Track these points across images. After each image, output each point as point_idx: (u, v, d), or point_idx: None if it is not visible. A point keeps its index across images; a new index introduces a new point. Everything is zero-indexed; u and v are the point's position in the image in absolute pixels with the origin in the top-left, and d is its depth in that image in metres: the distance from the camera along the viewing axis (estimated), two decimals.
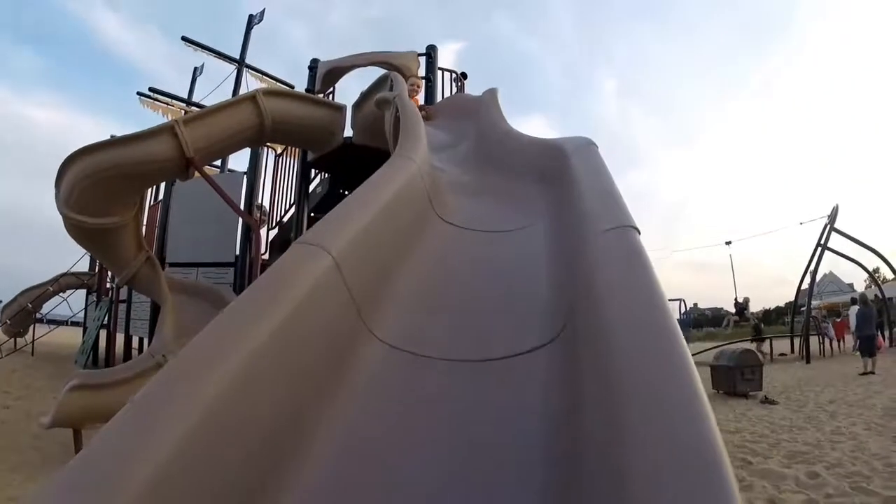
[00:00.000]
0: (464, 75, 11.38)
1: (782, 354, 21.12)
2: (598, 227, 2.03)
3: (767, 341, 22.57)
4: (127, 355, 13.36)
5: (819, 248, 21.68)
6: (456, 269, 2.92)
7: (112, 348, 13.59)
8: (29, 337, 18.56)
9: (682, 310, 37.55)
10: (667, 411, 1.10)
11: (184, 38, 17.74)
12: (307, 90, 10.82)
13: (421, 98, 8.98)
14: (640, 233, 1.97)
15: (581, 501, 1.27)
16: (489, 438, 1.64)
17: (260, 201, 12.00)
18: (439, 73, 10.66)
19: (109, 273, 14.77)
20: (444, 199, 3.62)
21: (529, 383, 1.86)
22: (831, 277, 42.05)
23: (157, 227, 13.26)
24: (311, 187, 11.15)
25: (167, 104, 18.34)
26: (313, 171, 11.06)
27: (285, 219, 11.99)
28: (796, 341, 21.56)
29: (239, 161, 16.72)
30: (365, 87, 8.94)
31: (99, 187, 7.04)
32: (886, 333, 21.27)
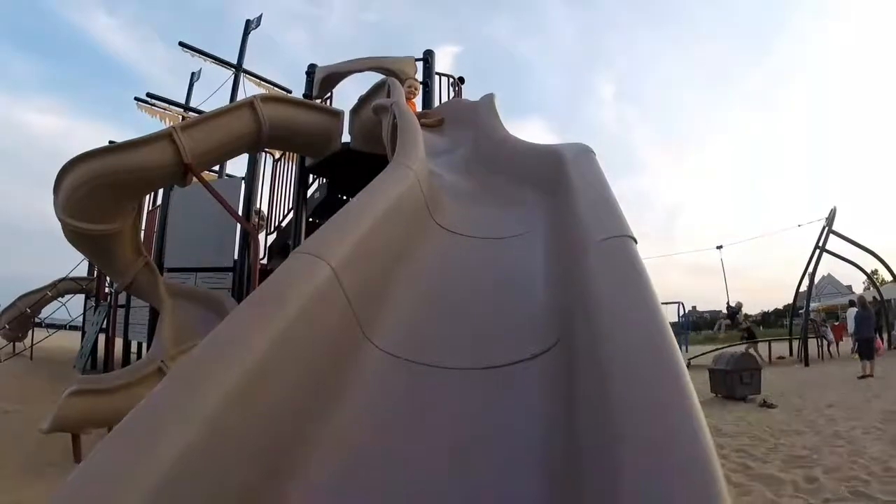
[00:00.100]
0: (461, 80, 11.40)
1: (781, 358, 21.06)
2: (595, 237, 2.03)
3: (760, 345, 22.53)
4: (125, 360, 13.39)
5: (817, 251, 21.68)
6: (454, 276, 2.92)
7: (111, 353, 13.59)
8: (28, 341, 18.55)
9: (681, 313, 37.53)
10: (661, 421, 1.12)
11: (181, 44, 17.71)
12: (305, 96, 10.86)
13: (418, 101, 8.97)
14: (636, 242, 1.98)
15: None
16: (486, 445, 1.65)
17: (258, 206, 12.01)
18: (437, 77, 10.68)
19: (108, 278, 14.77)
20: (441, 206, 3.63)
21: (527, 391, 1.87)
22: (829, 280, 42.00)
23: (156, 233, 13.26)
24: (310, 192, 11.19)
25: (165, 109, 18.35)
26: (311, 176, 11.09)
27: (284, 224, 12.01)
28: (795, 344, 21.54)
29: (237, 166, 16.77)
30: (362, 92, 8.99)
31: (97, 193, 7.05)
32: (885, 336, 21.25)
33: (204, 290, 10.48)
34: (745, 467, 5.64)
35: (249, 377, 1.40)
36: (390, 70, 9.61)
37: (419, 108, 8.79)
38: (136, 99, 18.32)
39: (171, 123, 16.47)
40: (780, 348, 22.37)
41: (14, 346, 18.04)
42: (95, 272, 18.07)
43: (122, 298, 13.52)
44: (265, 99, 8.61)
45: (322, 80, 10.80)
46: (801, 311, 22.89)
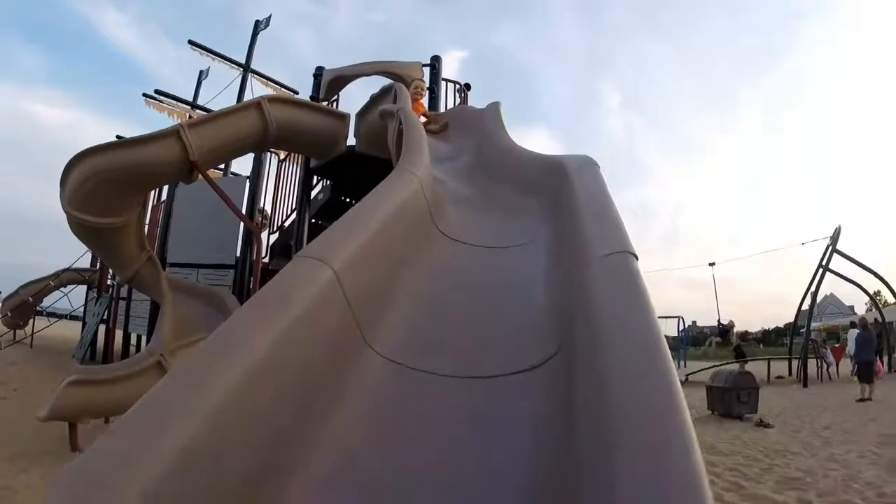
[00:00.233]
0: (467, 86, 11.42)
1: (780, 377, 20.99)
2: (597, 252, 2.05)
3: (759, 363, 22.43)
4: (125, 352, 13.39)
5: (820, 269, 21.64)
6: (455, 284, 2.93)
7: (111, 344, 13.61)
8: (29, 329, 18.60)
9: (681, 327, 37.44)
10: (657, 430, 1.14)
11: (190, 42, 17.77)
12: (312, 98, 10.87)
13: (425, 102, 8.97)
14: (637, 259, 1.99)
15: None
16: (481, 455, 1.66)
17: (262, 205, 12.02)
18: (443, 83, 10.71)
19: (110, 270, 14.80)
20: (444, 214, 3.65)
21: (525, 402, 1.88)
22: (832, 299, 41.98)
23: (160, 228, 13.28)
24: (313, 193, 11.19)
25: (172, 106, 18.40)
26: (315, 177, 11.10)
27: (286, 224, 12.03)
28: (794, 364, 21.48)
29: (242, 165, 16.77)
30: (369, 95, 9.02)
31: (103, 187, 7.07)
32: (885, 359, 21.18)
33: (205, 287, 10.49)
34: (738, 487, 5.63)
35: (251, 375, 1.43)
36: (397, 74, 9.62)
37: (426, 108, 8.79)
38: (145, 95, 18.40)
39: (179, 119, 16.60)
40: (780, 367, 22.29)
41: (15, 333, 18.07)
42: (98, 264, 18.13)
43: (123, 291, 13.53)
44: (272, 100, 8.63)
45: (329, 83, 10.81)
46: (802, 331, 22.82)
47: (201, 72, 20.31)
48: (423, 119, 7.78)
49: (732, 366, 17.19)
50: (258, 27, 17.53)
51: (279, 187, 12.35)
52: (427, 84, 9.94)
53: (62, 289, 20.25)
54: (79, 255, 17.22)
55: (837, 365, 22.46)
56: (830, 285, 36.03)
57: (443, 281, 2.91)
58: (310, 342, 1.76)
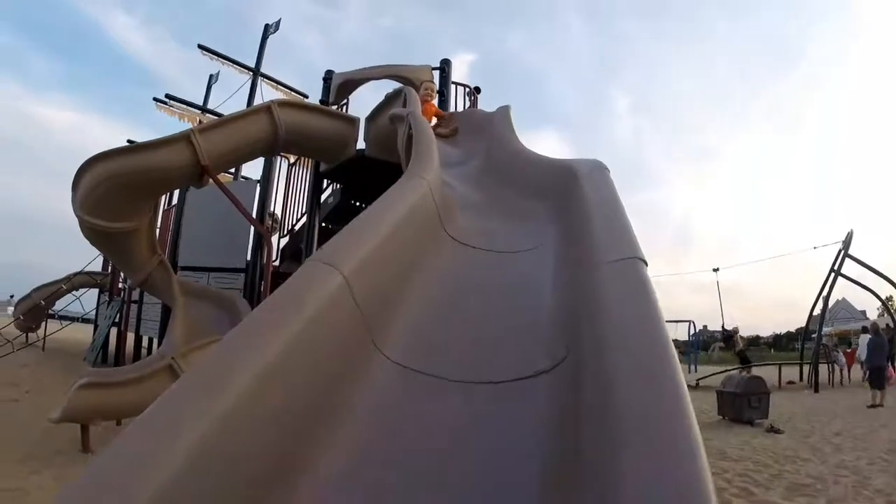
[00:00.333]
0: (477, 90, 11.38)
1: (791, 382, 20.85)
2: (606, 257, 2.05)
3: (770, 368, 22.26)
4: (136, 354, 13.45)
5: (832, 274, 21.53)
6: (464, 288, 2.94)
7: (122, 347, 13.67)
8: (41, 332, 18.67)
9: (691, 332, 37.34)
10: (661, 446, 1.14)
11: (200, 47, 17.84)
12: (321, 101, 10.89)
13: (435, 104, 8.96)
14: (647, 265, 1.99)
15: None
16: (488, 460, 1.66)
17: (272, 209, 12.06)
18: (452, 87, 10.70)
19: (122, 274, 14.86)
20: (454, 218, 3.65)
21: (531, 407, 1.88)
22: (844, 304, 41.69)
23: (171, 232, 13.34)
24: (323, 197, 11.21)
25: (182, 111, 18.49)
26: (325, 181, 11.12)
27: (297, 227, 12.06)
28: (805, 369, 21.34)
29: (252, 169, 16.84)
30: (378, 99, 9.04)
31: (115, 192, 7.12)
32: None
33: (216, 290, 10.53)
34: (747, 493, 5.61)
35: (262, 379, 1.44)
36: (407, 78, 9.62)
37: (437, 109, 8.78)
38: (156, 99, 18.53)
39: (190, 123, 16.67)
40: (791, 373, 22.16)
41: (27, 336, 18.14)
42: (110, 267, 18.20)
43: (135, 294, 13.59)
44: (282, 104, 8.66)
45: (339, 87, 10.83)
46: (813, 335, 22.69)
47: (211, 76, 20.40)
48: (434, 121, 7.79)
49: (744, 371, 17.13)
50: (268, 31, 17.61)
51: (289, 191, 12.39)
52: (437, 87, 9.94)
53: (74, 292, 20.32)
54: (84, 257, 17.30)
55: (849, 370, 22.33)
56: (842, 290, 35.87)
57: (452, 285, 2.91)
58: (320, 346, 1.77)
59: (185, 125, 17.60)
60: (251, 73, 17.46)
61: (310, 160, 11.17)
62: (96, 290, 20.47)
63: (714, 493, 1.02)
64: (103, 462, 1.15)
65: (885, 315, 26.20)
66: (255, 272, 11.02)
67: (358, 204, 11.03)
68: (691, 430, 1.15)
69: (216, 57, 17.91)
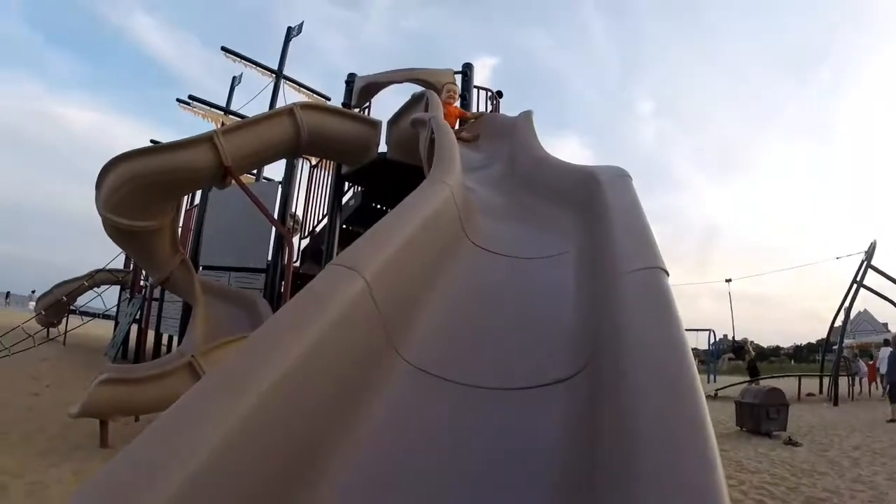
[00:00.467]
0: (499, 94, 11.38)
1: (810, 394, 20.68)
2: (627, 267, 2.04)
3: (790, 380, 22.03)
4: (156, 352, 13.53)
5: (854, 285, 21.31)
6: (484, 294, 2.94)
7: (142, 344, 13.75)
8: (62, 327, 18.80)
9: (712, 340, 37.06)
10: (678, 456, 1.14)
11: (224, 49, 17.96)
12: (343, 104, 10.96)
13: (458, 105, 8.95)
14: (668, 274, 1.99)
15: None
16: (503, 466, 1.67)
17: (294, 210, 12.11)
18: (474, 91, 10.70)
19: (143, 271, 14.96)
20: (475, 223, 3.65)
21: (548, 415, 1.88)
22: (866, 316, 41.22)
23: (193, 231, 13.42)
24: (345, 200, 11.24)
25: (206, 111, 18.61)
26: (347, 183, 11.16)
27: (318, 229, 12.09)
28: (825, 381, 21.12)
29: (275, 171, 16.93)
30: (401, 102, 9.06)
31: (138, 191, 7.19)
32: None
33: (237, 290, 10.62)
34: None
35: (284, 381, 1.45)
36: (428, 82, 9.64)
37: (461, 110, 8.79)
38: (179, 100, 18.68)
39: (213, 122, 16.77)
40: (811, 385, 21.95)
41: (48, 331, 18.27)
42: (132, 265, 18.32)
43: (156, 292, 13.67)
44: (305, 106, 8.71)
45: (361, 90, 10.87)
46: (834, 347, 22.45)
47: (234, 77, 20.51)
48: (456, 125, 7.80)
49: (764, 382, 17.00)
50: (290, 34, 17.67)
51: (311, 193, 12.43)
52: (459, 90, 9.93)
53: (96, 289, 20.46)
54: (112, 255, 17.45)
55: (870, 385, 22.08)
56: (864, 301, 35.52)
57: (472, 291, 2.92)
58: (341, 350, 1.78)
59: (208, 125, 17.75)
60: (274, 76, 17.54)
61: (331, 162, 11.21)
62: (118, 287, 20.60)
63: (727, 497, 1.02)
64: (124, 460, 1.16)
65: None
66: (275, 272, 11.09)
67: (379, 206, 11.08)
68: (708, 441, 1.15)
69: (239, 59, 18.04)
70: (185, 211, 13.60)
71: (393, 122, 9.20)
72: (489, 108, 11.04)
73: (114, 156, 7.18)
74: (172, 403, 1.33)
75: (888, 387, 15.60)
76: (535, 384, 2.05)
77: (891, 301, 22.14)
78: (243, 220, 11.22)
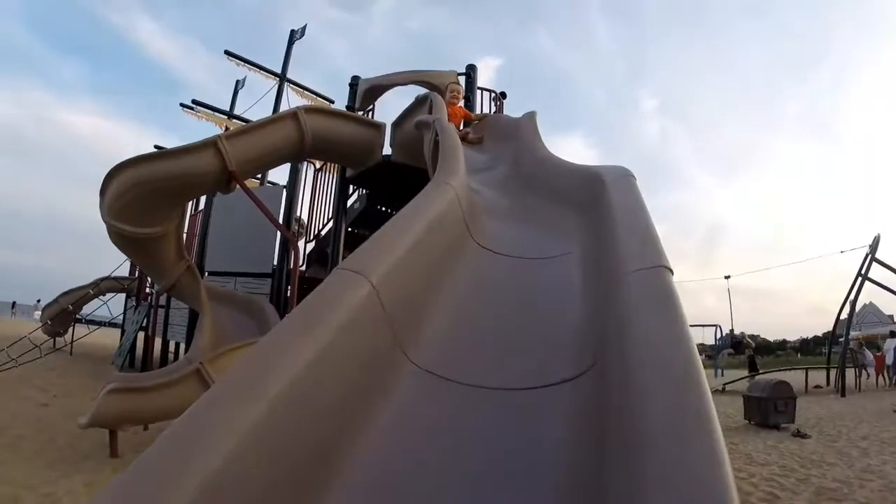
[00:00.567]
0: (503, 95, 11.40)
1: (818, 387, 20.63)
2: (632, 266, 2.06)
3: (797, 373, 21.98)
4: (164, 359, 13.55)
5: (859, 278, 21.30)
6: (490, 295, 2.95)
7: (150, 352, 13.77)
8: (68, 337, 18.80)
9: (718, 335, 37.10)
10: (685, 451, 1.15)
11: (227, 52, 17.95)
12: (347, 107, 10.96)
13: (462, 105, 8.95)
14: (672, 273, 2.00)
15: None
16: (511, 466, 1.69)
17: (298, 214, 12.12)
18: (479, 92, 10.72)
19: (149, 278, 14.96)
20: (480, 224, 3.67)
21: (555, 415, 1.90)
22: (871, 308, 41.27)
23: (198, 237, 13.44)
24: (349, 202, 11.27)
25: (209, 115, 18.62)
26: (351, 186, 11.17)
27: (323, 232, 12.11)
28: (832, 374, 21.10)
29: (279, 174, 16.92)
30: (404, 105, 9.06)
31: (142, 198, 7.20)
32: None
33: (244, 295, 10.61)
34: (773, 497, 5.58)
35: (292, 388, 1.46)
36: (432, 84, 9.67)
37: (465, 111, 8.80)
38: (182, 105, 18.67)
39: (217, 125, 16.78)
40: (818, 377, 21.92)
41: (55, 341, 18.27)
42: (137, 272, 18.32)
43: (162, 299, 13.67)
44: (309, 110, 8.71)
45: (365, 92, 10.88)
46: (840, 340, 22.43)
47: (238, 81, 20.49)
48: (461, 125, 7.81)
49: (771, 375, 17.00)
50: (293, 37, 17.66)
51: (315, 196, 12.45)
52: (463, 90, 9.94)
53: (101, 297, 20.45)
54: (117, 263, 17.46)
55: (878, 375, 22.05)
56: (870, 294, 35.47)
57: (478, 292, 2.93)
58: (349, 354, 1.79)
59: (212, 130, 17.78)
60: (277, 79, 17.54)
61: (336, 166, 11.23)
62: (123, 295, 20.59)
63: (737, 495, 1.04)
64: (136, 471, 1.17)
65: None
66: (281, 277, 11.09)
67: (384, 209, 11.08)
68: (715, 436, 1.17)
69: (242, 63, 18.02)
70: (190, 216, 13.62)
71: (397, 124, 9.21)
72: (493, 109, 11.05)
73: (117, 162, 7.19)
74: (182, 411, 1.34)
75: (895, 377, 15.61)
76: (541, 384, 2.06)
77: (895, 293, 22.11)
78: (248, 224, 11.21)
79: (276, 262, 11.52)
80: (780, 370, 23.25)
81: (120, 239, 7.75)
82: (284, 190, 11.94)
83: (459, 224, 3.33)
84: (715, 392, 18.14)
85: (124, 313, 19.28)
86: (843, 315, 22.92)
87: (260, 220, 9.81)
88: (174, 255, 8.84)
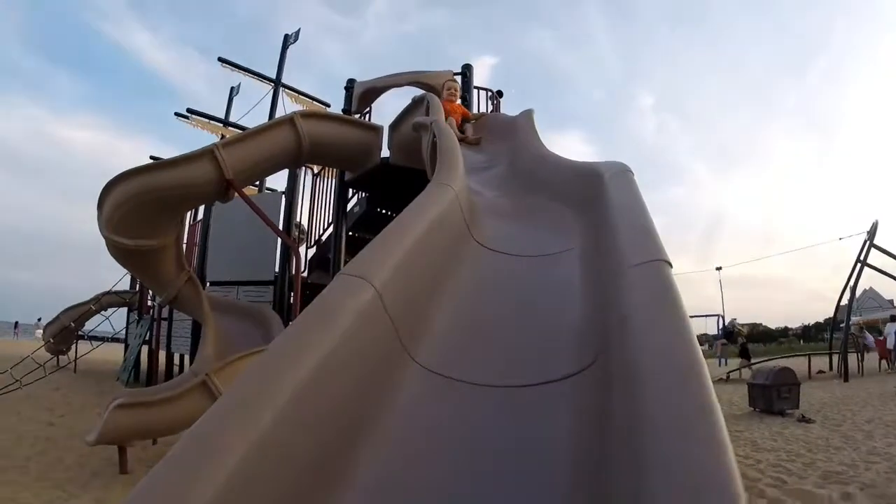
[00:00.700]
0: (499, 93, 11.40)
1: (820, 372, 20.60)
2: (631, 260, 2.08)
3: (800, 359, 21.96)
4: (168, 372, 13.54)
5: (858, 265, 21.32)
6: (492, 293, 2.97)
7: (154, 365, 13.74)
8: (72, 354, 18.72)
9: (720, 326, 37.14)
10: (688, 441, 1.17)
11: (220, 59, 17.96)
12: (344, 110, 10.97)
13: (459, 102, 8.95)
14: (671, 266, 2.03)
15: None
16: (516, 462, 1.71)
17: (298, 220, 12.12)
18: (475, 91, 10.72)
19: (150, 291, 14.93)
20: (480, 224, 3.69)
21: (560, 411, 1.93)
22: (871, 293, 41.16)
23: (198, 247, 13.44)
24: (349, 206, 11.26)
25: (204, 124, 18.60)
26: (351, 190, 11.18)
27: (323, 237, 12.10)
28: (835, 359, 21.10)
29: (277, 181, 16.93)
30: (401, 107, 9.06)
31: (140, 210, 7.21)
32: None
33: (246, 304, 10.61)
34: (780, 482, 5.58)
35: (299, 396, 1.47)
36: (429, 84, 9.67)
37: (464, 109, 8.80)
38: (177, 114, 18.64)
39: (213, 133, 16.76)
40: (821, 363, 21.93)
41: (58, 359, 18.20)
42: (138, 286, 18.28)
43: (164, 311, 13.64)
44: (305, 115, 8.73)
45: (361, 95, 10.88)
46: (841, 325, 22.44)
47: (232, 88, 20.48)
48: (459, 122, 7.81)
49: (774, 362, 17.00)
50: (287, 41, 17.65)
51: (315, 201, 12.45)
52: (460, 90, 9.94)
53: (103, 312, 20.36)
54: (117, 276, 17.44)
55: (881, 360, 22.03)
56: (870, 280, 35.47)
57: (480, 290, 2.95)
58: (355, 359, 1.81)
59: (208, 138, 17.77)
60: (272, 84, 17.53)
61: (334, 170, 11.23)
62: (125, 310, 20.50)
63: (740, 483, 1.07)
64: (145, 489, 1.17)
65: None
66: (283, 284, 11.11)
67: (384, 212, 11.08)
68: (717, 426, 1.18)
69: (237, 69, 18.03)
70: (189, 227, 13.61)
71: (394, 126, 9.21)
72: (490, 108, 11.06)
73: (114, 175, 7.19)
74: (190, 424, 1.35)
75: None
76: (544, 380, 2.09)
77: (894, 278, 22.11)
78: (248, 232, 11.20)
79: (277, 270, 11.54)
80: (783, 357, 23.24)
81: (119, 252, 7.76)
82: (283, 196, 11.95)
83: (460, 224, 3.35)
84: (718, 381, 18.17)
85: (127, 328, 19.22)
86: (844, 301, 22.94)
87: (260, 228, 9.84)
88: (174, 266, 8.85)
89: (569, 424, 1.85)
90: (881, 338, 23.34)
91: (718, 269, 44.22)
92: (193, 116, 18.49)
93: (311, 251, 12.71)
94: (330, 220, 11.49)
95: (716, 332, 37.34)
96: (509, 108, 10.81)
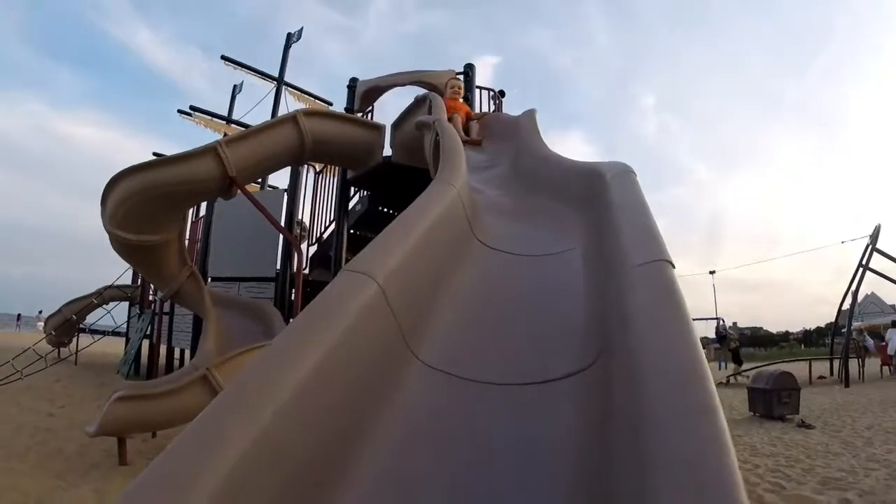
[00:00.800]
0: (501, 93, 11.40)
1: (821, 377, 20.60)
2: (634, 260, 2.09)
3: (800, 364, 21.91)
4: (169, 366, 13.54)
5: (860, 269, 21.28)
6: (494, 292, 2.97)
7: (155, 359, 13.74)
8: (73, 347, 18.74)
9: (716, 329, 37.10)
10: (690, 441, 1.18)
11: (223, 58, 17.93)
12: (346, 109, 10.97)
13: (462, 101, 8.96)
14: (674, 266, 2.03)
15: None
16: (518, 460, 1.71)
17: (300, 218, 12.11)
18: (477, 91, 10.72)
19: (152, 286, 14.94)
20: (483, 223, 3.69)
21: (561, 409, 1.93)
22: (873, 298, 41.13)
23: (200, 242, 13.44)
24: (351, 204, 11.26)
25: (207, 122, 18.59)
26: (353, 188, 11.18)
27: (325, 235, 12.10)
28: (835, 364, 21.07)
29: (280, 178, 16.90)
30: (403, 105, 9.07)
31: (143, 206, 7.21)
32: None
33: (248, 300, 10.62)
34: (779, 487, 5.58)
35: (301, 392, 1.47)
36: (431, 84, 9.68)
37: (468, 108, 8.81)
38: (180, 111, 18.66)
39: (215, 131, 16.77)
40: (821, 368, 21.89)
41: (59, 351, 18.21)
42: (140, 280, 18.28)
43: (165, 306, 13.63)
44: (308, 113, 8.72)
45: (363, 94, 10.88)
46: (843, 330, 22.40)
47: (235, 86, 20.43)
48: (466, 121, 7.82)
49: (774, 366, 16.99)
50: (290, 40, 17.64)
51: (317, 199, 12.44)
52: (463, 89, 9.93)
53: (105, 306, 20.37)
54: (119, 270, 17.45)
55: (882, 367, 22.00)
56: (872, 284, 35.41)
57: (483, 289, 2.95)
58: (358, 355, 1.82)
59: (211, 136, 17.77)
60: (275, 83, 17.51)
61: (336, 168, 11.23)
62: (127, 304, 20.50)
63: (741, 482, 1.07)
64: (147, 480, 1.18)
65: None
66: (285, 281, 11.12)
67: (386, 210, 11.08)
68: (719, 427, 1.19)
69: (240, 67, 18.00)
70: (192, 222, 13.61)
71: (397, 125, 9.22)
72: (492, 107, 11.06)
73: (118, 171, 7.21)
74: (189, 417, 1.35)
75: None
76: (546, 379, 2.09)
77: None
78: (250, 229, 11.20)
79: (279, 267, 11.54)
80: (783, 361, 23.22)
81: (122, 247, 7.76)
82: (285, 194, 11.94)
83: (462, 223, 3.35)
84: (719, 385, 18.14)
85: (128, 321, 19.24)
86: (846, 306, 22.91)
87: (262, 225, 9.83)
88: (177, 261, 8.85)
89: (570, 423, 1.85)
90: (882, 343, 23.31)
91: (712, 272, 44.16)
92: (196, 114, 18.51)
93: (313, 249, 12.70)
94: (332, 218, 11.50)
95: (714, 336, 37.29)
96: (510, 107, 10.82)
